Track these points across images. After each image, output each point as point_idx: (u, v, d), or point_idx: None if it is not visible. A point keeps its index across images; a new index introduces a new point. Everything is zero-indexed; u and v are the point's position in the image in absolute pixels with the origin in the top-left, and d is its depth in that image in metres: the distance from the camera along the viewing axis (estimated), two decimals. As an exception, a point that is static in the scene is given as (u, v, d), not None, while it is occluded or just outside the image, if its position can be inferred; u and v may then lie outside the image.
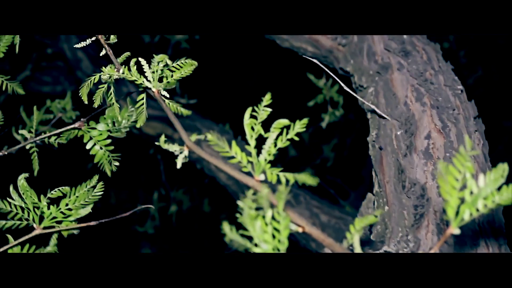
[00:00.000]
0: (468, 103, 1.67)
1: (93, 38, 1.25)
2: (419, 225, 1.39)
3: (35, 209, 1.28)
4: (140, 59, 1.18)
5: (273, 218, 0.88)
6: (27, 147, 1.47)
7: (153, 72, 1.17)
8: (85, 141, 1.40)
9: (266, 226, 0.88)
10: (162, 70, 1.18)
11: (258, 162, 0.98)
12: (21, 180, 1.27)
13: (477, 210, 0.85)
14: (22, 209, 1.27)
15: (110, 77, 1.22)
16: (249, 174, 0.99)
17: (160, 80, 1.19)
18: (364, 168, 3.80)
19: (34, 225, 1.28)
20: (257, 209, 0.89)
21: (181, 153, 1.09)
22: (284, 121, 1.00)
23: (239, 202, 0.88)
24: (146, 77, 1.18)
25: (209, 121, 3.11)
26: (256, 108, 1.01)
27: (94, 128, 1.41)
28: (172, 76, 1.19)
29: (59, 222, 1.30)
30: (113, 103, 1.30)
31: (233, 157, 1.01)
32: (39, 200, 1.28)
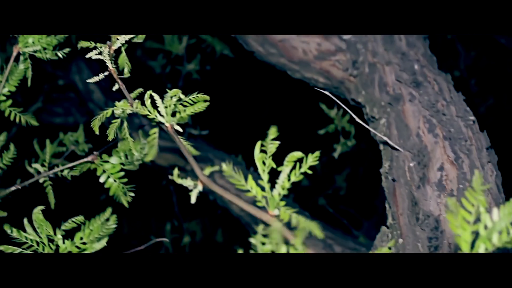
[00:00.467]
0: (480, 133, 1.67)
1: (106, 73, 1.26)
2: (433, 257, 1.39)
3: (50, 243, 1.28)
4: (153, 93, 1.18)
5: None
6: (41, 180, 1.48)
7: (166, 107, 1.18)
8: (98, 174, 1.41)
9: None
10: (175, 104, 1.18)
11: (272, 197, 0.98)
12: (37, 213, 1.27)
13: (492, 244, 0.85)
14: (37, 242, 1.27)
15: (123, 111, 1.22)
16: (263, 208, 0.99)
17: (173, 114, 1.20)
18: (377, 198, 3.79)
19: (49, 260, 1.28)
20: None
21: (195, 187, 1.09)
22: (297, 154, 1.00)
23: (251, 240, 0.88)
24: (159, 112, 1.18)
25: (222, 152, 3.11)
26: (264, 143, 1.02)
27: (107, 161, 1.42)
28: (185, 111, 1.19)
29: (74, 256, 1.30)
30: (126, 138, 1.31)
31: (248, 191, 1.01)
32: (54, 233, 1.28)
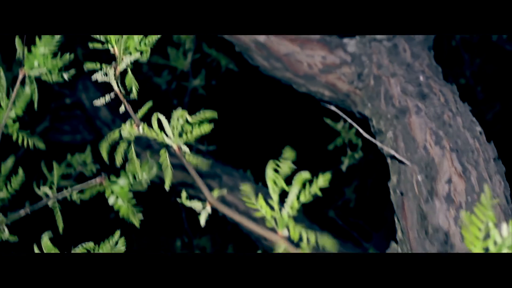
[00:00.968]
0: (487, 144, 1.67)
1: (112, 95, 1.27)
2: (444, 271, 1.38)
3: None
4: (159, 115, 1.19)
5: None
6: (49, 204, 1.48)
7: (173, 128, 1.18)
8: (107, 196, 1.41)
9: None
10: (182, 126, 1.19)
11: (281, 218, 0.98)
12: (45, 239, 1.28)
13: (502, 260, 0.85)
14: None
15: (130, 134, 1.23)
16: (272, 229, 0.99)
17: (180, 135, 1.20)
18: (386, 209, 3.78)
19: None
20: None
21: (203, 210, 1.09)
22: (306, 175, 1.00)
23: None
24: (166, 133, 1.18)
25: (230, 167, 3.11)
26: (278, 162, 1.01)
27: (115, 183, 1.42)
28: (192, 132, 1.19)
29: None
30: (133, 160, 1.31)
31: (257, 210, 1.01)
32: (64, 259, 1.28)
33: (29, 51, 1.42)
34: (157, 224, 4.11)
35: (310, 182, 1.00)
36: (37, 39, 1.41)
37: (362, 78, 2.07)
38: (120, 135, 1.25)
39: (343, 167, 2.74)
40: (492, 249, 0.86)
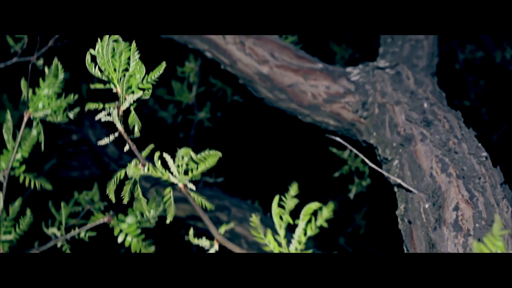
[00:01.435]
0: (493, 169, 1.67)
1: (116, 135, 1.27)
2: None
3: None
4: (164, 154, 1.19)
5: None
6: (58, 245, 1.49)
7: (178, 166, 1.18)
8: (115, 234, 1.41)
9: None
10: (187, 164, 1.19)
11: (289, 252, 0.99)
12: None
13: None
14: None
15: (135, 173, 1.23)
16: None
17: (185, 172, 1.20)
18: (396, 235, 3.76)
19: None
20: None
21: (211, 247, 1.09)
22: (313, 207, 1.00)
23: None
24: (171, 172, 1.19)
25: (238, 199, 3.11)
26: (283, 198, 1.01)
27: (123, 221, 1.42)
28: (197, 168, 1.20)
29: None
30: (140, 198, 1.32)
31: (266, 245, 1.01)
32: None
33: (34, 93, 1.43)
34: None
35: (315, 214, 1.00)
36: (40, 80, 1.43)
37: (367, 106, 2.08)
38: (126, 175, 1.26)
39: (351, 195, 2.73)
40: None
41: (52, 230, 1.49)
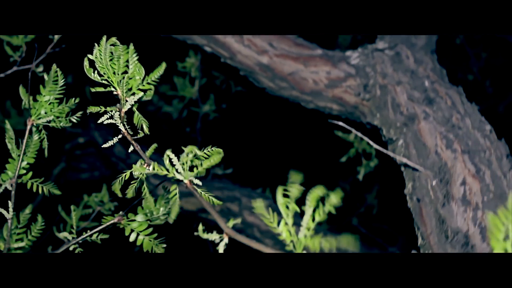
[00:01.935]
0: (498, 142, 1.67)
1: (120, 136, 1.28)
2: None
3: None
4: (169, 152, 1.19)
5: None
6: (71, 248, 1.49)
7: (183, 164, 1.19)
8: (126, 234, 1.42)
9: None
10: (192, 160, 1.19)
11: (299, 240, 0.99)
12: None
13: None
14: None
15: (141, 173, 1.23)
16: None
17: (191, 169, 1.21)
18: (409, 211, 3.75)
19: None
20: None
21: (221, 241, 1.10)
22: (318, 192, 1.00)
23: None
24: (176, 169, 1.19)
25: (248, 189, 3.11)
26: (286, 187, 1.02)
27: (134, 220, 1.43)
28: (202, 165, 1.20)
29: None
30: (147, 197, 1.32)
31: (279, 234, 1.02)
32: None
33: (35, 100, 1.43)
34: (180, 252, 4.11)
35: (323, 199, 1.01)
36: (41, 87, 1.43)
37: (368, 89, 2.08)
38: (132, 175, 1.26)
39: (360, 176, 2.73)
40: (510, 250, 0.86)
41: (64, 234, 1.50)
